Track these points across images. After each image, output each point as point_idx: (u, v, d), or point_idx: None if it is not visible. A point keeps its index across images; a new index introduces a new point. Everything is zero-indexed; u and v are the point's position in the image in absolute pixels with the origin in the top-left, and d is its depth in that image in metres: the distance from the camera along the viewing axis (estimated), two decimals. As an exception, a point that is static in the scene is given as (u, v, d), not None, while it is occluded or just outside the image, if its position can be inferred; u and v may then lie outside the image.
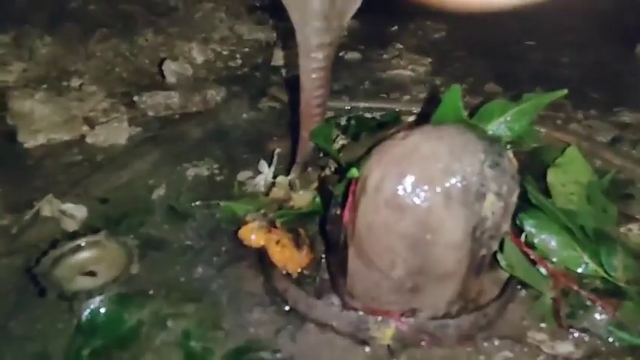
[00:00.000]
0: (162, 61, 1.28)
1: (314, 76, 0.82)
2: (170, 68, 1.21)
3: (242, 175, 1.02)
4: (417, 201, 0.61)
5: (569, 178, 0.88)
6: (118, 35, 1.44)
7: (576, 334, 0.69)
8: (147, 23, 1.54)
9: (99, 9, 1.53)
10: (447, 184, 0.61)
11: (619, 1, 2.01)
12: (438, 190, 0.61)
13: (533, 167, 0.91)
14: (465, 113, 0.79)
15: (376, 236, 0.65)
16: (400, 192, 0.62)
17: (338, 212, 0.73)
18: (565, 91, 0.86)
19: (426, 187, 0.61)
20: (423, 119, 0.81)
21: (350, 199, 0.69)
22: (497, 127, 0.87)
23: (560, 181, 0.87)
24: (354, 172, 0.68)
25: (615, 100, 1.33)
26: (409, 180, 0.62)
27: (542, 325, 0.71)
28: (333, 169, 0.87)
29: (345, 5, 0.81)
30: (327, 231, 0.73)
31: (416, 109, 1.23)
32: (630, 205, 0.93)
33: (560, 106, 1.30)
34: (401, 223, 0.62)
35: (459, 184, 0.61)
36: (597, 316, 0.69)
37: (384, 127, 1.02)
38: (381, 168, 0.64)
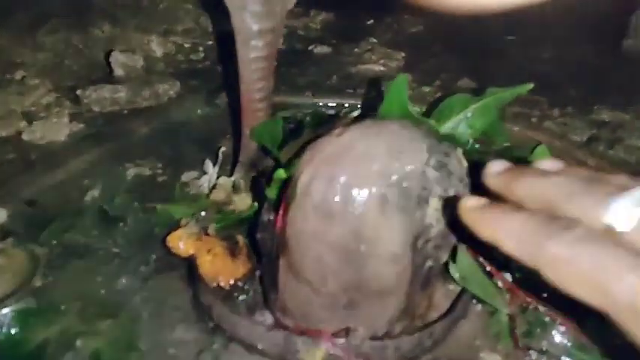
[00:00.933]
0: (110, 51, 1.20)
1: (254, 66, 0.75)
2: (118, 60, 1.13)
3: (187, 176, 0.94)
4: (348, 207, 0.54)
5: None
6: (71, 26, 1.35)
7: (534, 356, 0.61)
8: (105, 14, 1.45)
9: (53, -3, 1.45)
10: (383, 188, 0.53)
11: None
12: (373, 193, 0.54)
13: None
14: (416, 108, 0.71)
15: (305, 246, 0.57)
16: (330, 196, 0.54)
17: (271, 218, 0.65)
18: (531, 85, 0.79)
19: (359, 190, 0.53)
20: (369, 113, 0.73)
21: (282, 204, 0.62)
22: (457, 123, 0.80)
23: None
24: (280, 172, 0.61)
25: (595, 98, 1.26)
26: (340, 182, 0.54)
27: (498, 345, 0.63)
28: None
29: (288, -12, 0.73)
30: (258, 239, 0.66)
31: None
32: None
33: (535, 103, 1.23)
34: (331, 232, 0.55)
35: (396, 188, 0.54)
36: (557, 335, 0.61)
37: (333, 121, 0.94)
38: (311, 169, 0.56)
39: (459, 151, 0.60)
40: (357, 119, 0.72)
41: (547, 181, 0.43)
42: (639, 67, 1.48)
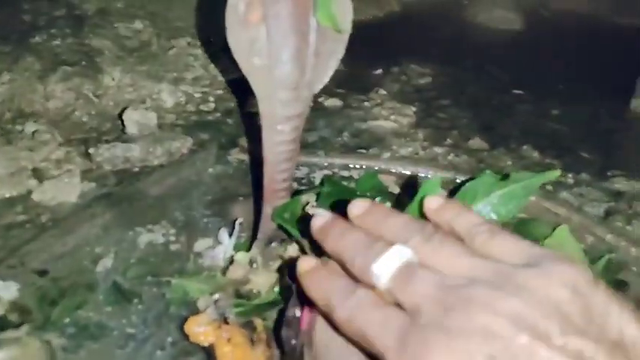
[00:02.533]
0: (124, 109, 1.18)
1: (279, 149, 0.74)
2: (132, 118, 1.11)
3: (200, 245, 0.92)
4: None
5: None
6: (81, 74, 1.34)
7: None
8: (115, 60, 1.44)
9: (64, 44, 1.44)
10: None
11: (612, 51, 1.97)
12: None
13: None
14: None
15: (336, 355, 0.56)
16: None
17: (297, 314, 0.63)
18: (558, 173, 0.78)
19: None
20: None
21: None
22: (482, 208, 0.79)
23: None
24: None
25: (608, 163, 1.26)
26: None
27: None
28: (297, 253, 0.78)
29: (316, 73, 0.73)
30: (283, 336, 0.64)
31: (394, 169, 1.15)
32: (624, 294, 0.85)
33: (549, 167, 1.23)
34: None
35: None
36: None
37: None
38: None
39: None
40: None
41: (343, 240, 0.46)
42: (648, 128, 1.49)
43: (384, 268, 0.40)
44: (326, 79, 0.74)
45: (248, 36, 0.66)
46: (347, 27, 0.70)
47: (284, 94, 0.69)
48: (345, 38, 0.71)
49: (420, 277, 0.39)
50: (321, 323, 0.57)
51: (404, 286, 0.39)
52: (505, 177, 0.77)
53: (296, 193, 0.96)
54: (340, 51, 0.72)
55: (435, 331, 0.36)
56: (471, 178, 0.83)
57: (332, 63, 0.73)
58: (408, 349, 0.36)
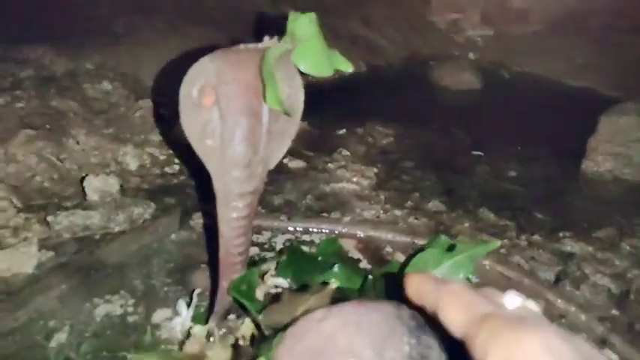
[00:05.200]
0: (86, 174, 1.19)
1: (234, 224, 0.75)
2: (93, 185, 1.12)
3: (158, 315, 0.92)
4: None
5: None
6: (45, 137, 1.34)
7: None
8: (80, 123, 1.46)
9: (28, 106, 1.45)
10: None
11: (565, 112, 2.07)
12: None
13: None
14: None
15: None
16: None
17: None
18: (498, 243, 0.82)
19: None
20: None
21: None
22: (434, 279, 0.81)
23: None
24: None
25: (560, 223, 1.31)
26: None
27: None
28: (248, 335, 0.78)
29: (270, 150, 0.75)
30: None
31: (356, 232, 1.17)
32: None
33: (504, 229, 1.27)
34: None
35: (378, 386, 0.53)
36: None
37: (314, 271, 0.94)
38: (292, 361, 0.56)
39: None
40: (337, 293, 0.73)
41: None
42: (597, 189, 1.56)
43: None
44: (280, 156, 0.76)
45: (201, 119, 0.68)
46: (298, 109, 0.73)
47: (237, 173, 0.71)
48: (296, 119, 0.74)
49: None
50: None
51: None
52: (452, 247, 0.80)
53: (254, 264, 0.97)
54: (293, 130, 0.75)
55: None
56: (428, 243, 0.86)
57: (285, 141, 0.76)
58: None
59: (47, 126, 1.39)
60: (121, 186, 1.24)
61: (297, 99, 0.74)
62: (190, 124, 0.70)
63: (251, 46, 0.70)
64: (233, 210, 0.74)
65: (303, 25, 0.69)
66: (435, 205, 1.35)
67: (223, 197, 0.73)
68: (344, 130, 1.78)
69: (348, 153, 1.60)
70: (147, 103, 1.65)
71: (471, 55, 2.79)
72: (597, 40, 2.81)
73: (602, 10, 2.95)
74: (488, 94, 2.32)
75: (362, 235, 1.18)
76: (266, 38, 0.70)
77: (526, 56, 2.76)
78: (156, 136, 1.52)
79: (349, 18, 2.83)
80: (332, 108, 1.87)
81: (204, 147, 0.70)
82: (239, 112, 0.69)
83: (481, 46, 2.95)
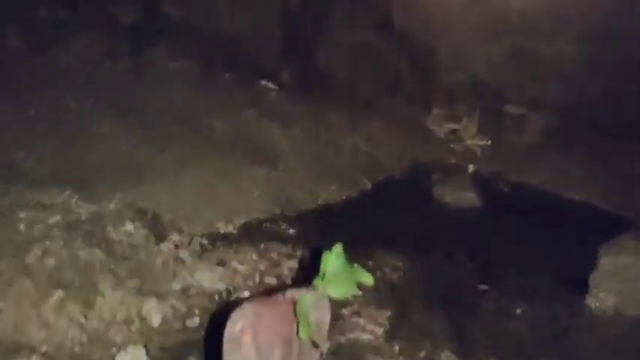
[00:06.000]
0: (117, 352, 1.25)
1: None
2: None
3: None
4: None
5: None
6: (75, 296, 1.42)
7: None
8: (106, 275, 1.53)
9: (57, 261, 1.52)
10: None
11: (564, 232, 2.13)
12: None
13: None
14: None
15: None
16: None
17: None
18: None
19: None
20: None
21: None
22: None
23: None
24: None
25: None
26: None
27: None
28: None
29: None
30: None
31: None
32: None
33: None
34: None
35: None
36: None
37: None
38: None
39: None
40: None
41: None
42: (601, 327, 1.62)
43: None
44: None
45: (241, 356, 0.76)
46: (324, 328, 0.82)
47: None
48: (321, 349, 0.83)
49: None
50: None
51: None
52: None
53: None
54: (319, 355, 0.84)
55: None
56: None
57: (314, 357, 0.83)
58: None
59: (76, 284, 1.46)
60: (145, 346, 1.31)
61: (323, 320, 0.82)
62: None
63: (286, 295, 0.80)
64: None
65: (331, 262, 0.79)
66: (447, 356, 1.40)
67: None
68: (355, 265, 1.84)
69: (360, 292, 1.66)
70: (167, 246, 1.74)
71: (471, 167, 2.89)
72: (589, 152, 2.89)
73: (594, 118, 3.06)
74: (488, 213, 2.40)
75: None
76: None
77: (523, 166, 2.86)
78: (177, 284, 1.59)
79: (352, 133, 2.95)
80: (341, 236, 1.94)
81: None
82: (273, 340, 0.77)
83: (480, 156, 3.05)
